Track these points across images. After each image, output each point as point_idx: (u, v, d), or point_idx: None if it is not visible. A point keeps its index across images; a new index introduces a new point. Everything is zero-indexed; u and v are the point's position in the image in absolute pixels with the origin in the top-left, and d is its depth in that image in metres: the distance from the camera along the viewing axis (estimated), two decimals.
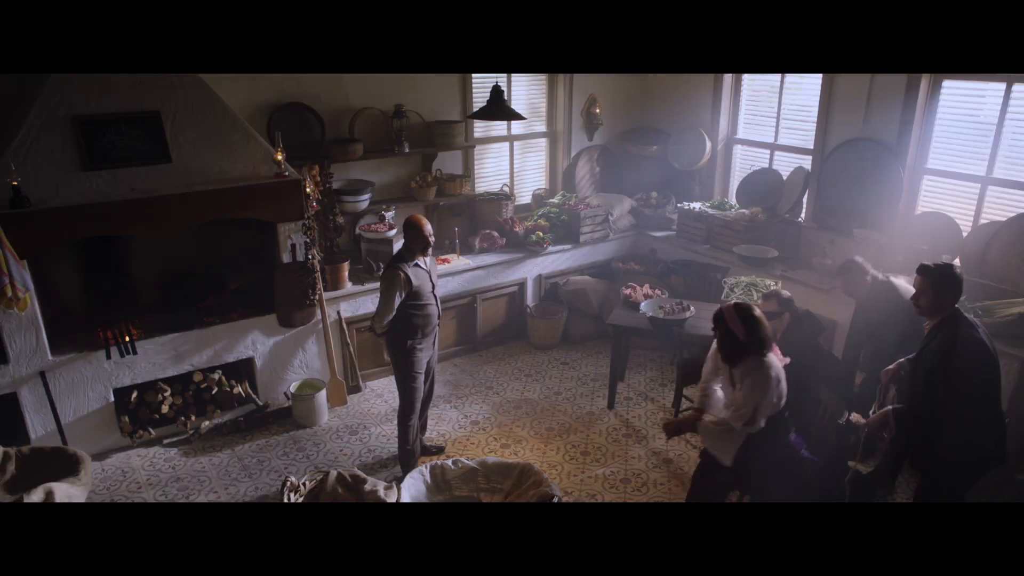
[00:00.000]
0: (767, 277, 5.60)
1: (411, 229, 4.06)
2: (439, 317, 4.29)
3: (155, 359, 4.59)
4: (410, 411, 4.28)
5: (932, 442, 3.08)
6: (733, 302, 3.23)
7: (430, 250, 4.16)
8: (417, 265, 4.09)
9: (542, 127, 6.77)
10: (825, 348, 4.09)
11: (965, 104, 4.92)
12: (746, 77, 6.35)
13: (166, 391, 4.68)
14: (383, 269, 4.25)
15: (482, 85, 6.07)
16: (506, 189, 6.49)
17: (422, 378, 4.29)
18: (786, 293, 4.10)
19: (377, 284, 4.50)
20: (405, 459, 4.36)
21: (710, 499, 3.53)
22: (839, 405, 3.50)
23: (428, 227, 4.06)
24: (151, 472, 4.47)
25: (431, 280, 4.17)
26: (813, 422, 3.75)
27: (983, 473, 3.25)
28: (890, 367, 3.47)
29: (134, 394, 4.60)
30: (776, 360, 3.21)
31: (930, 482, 3.27)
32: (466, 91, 6.02)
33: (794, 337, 3.94)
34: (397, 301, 4.03)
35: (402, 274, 3.98)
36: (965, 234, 4.88)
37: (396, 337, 4.17)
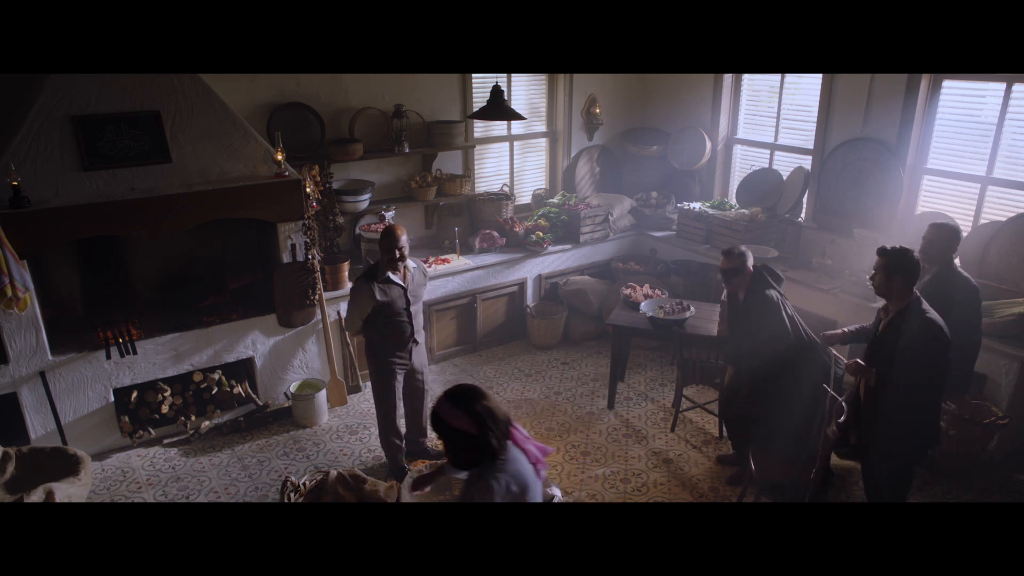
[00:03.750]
0: None
1: (379, 242, 3.92)
2: (414, 333, 4.14)
3: (155, 359, 4.59)
4: (382, 421, 4.28)
5: (891, 424, 3.23)
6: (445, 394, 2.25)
7: (401, 265, 3.94)
8: (388, 279, 3.95)
9: (542, 127, 6.77)
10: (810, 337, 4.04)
11: (965, 104, 4.92)
12: (746, 77, 6.35)
13: (166, 391, 4.68)
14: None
15: (482, 85, 6.07)
16: (506, 189, 6.49)
17: (393, 389, 4.19)
18: (743, 247, 4.00)
19: None
20: (395, 471, 4.36)
21: None
22: (838, 406, 3.49)
23: (398, 241, 3.84)
24: (151, 472, 4.47)
25: (406, 297, 4.02)
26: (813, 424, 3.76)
27: (922, 457, 3.45)
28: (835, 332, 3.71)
29: (134, 394, 4.60)
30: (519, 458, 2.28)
31: (879, 464, 3.41)
32: (466, 91, 6.02)
33: (757, 291, 3.90)
34: (364, 314, 3.97)
35: (366, 288, 3.90)
36: (965, 234, 4.87)
37: (368, 346, 4.18)
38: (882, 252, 3.23)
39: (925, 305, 3.17)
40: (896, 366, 3.15)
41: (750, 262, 3.95)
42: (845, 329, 3.73)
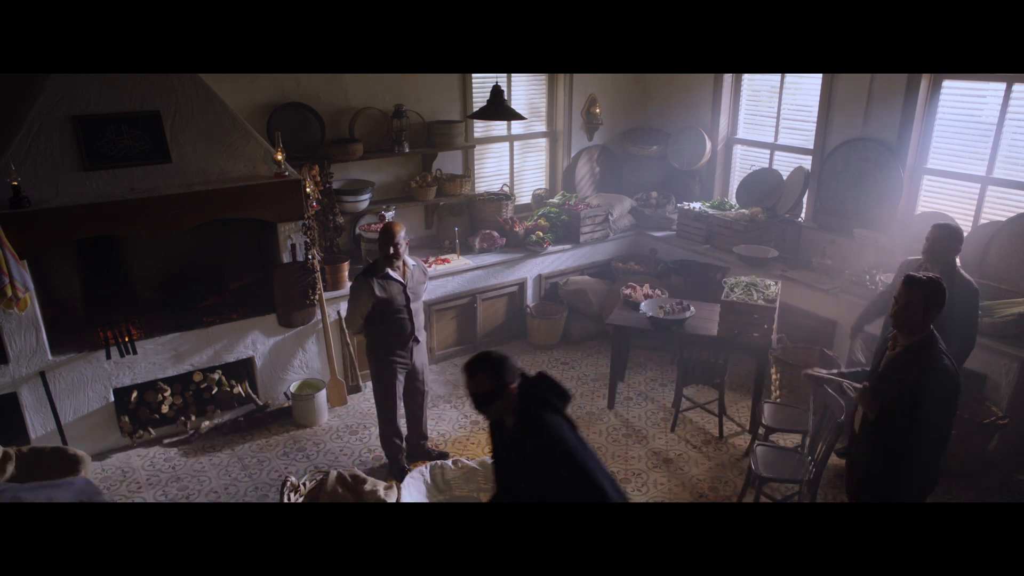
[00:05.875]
0: (767, 277, 5.61)
1: (377, 239, 3.97)
2: (415, 331, 4.15)
3: (155, 359, 4.59)
4: (383, 421, 4.27)
5: (894, 464, 2.97)
6: None
7: (398, 262, 4.00)
8: (387, 276, 3.98)
9: (542, 127, 6.77)
10: None
11: (965, 104, 4.92)
12: (746, 77, 6.35)
13: (166, 391, 4.67)
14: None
15: (482, 85, 6.07)
16: (506, 189, 6.49)
17: (394, 388, 4.18)
18: (492, 352, 2.54)
19: None
20: (395, 472, 4.35)
21: None
22: (838, 405, 3.49)
23: (394, 238, 3.90)
24: (151, 472, 4.47)
25: (406, 293, 4.04)
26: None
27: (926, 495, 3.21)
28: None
29: (134, 394, 4.60)
30: None
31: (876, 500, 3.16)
32: (466, 91, 6.02)
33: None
34: (364, 311, 3.98)
35: (365, 285, 3.93)
36: (965, 234, 4.87)
37: (369, 345, 4.18)
38: (918, 284, 2.87)
39: (942, 346, 2.88)
40: (901, 406, 2.87)
41: (510, 375, 2.46)
42: (829, 375, 3.48)
